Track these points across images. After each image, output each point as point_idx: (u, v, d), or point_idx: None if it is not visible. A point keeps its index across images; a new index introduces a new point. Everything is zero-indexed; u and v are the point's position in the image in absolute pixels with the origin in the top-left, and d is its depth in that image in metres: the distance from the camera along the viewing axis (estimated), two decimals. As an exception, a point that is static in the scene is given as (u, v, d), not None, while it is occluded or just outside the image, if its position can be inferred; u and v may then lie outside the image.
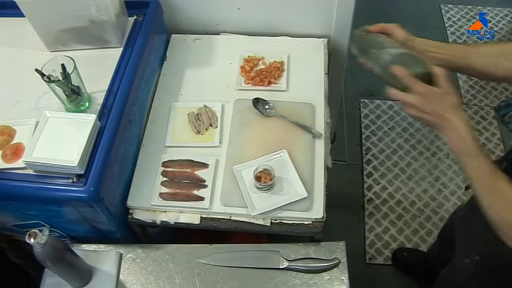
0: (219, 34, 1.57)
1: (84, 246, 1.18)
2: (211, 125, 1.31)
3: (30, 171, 1.05)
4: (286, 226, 1.16)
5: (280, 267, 1.12)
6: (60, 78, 1.08)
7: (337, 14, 1.47)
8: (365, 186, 2.10)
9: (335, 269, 1.12)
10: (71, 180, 1.02)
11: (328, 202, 1.17)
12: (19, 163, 1.05)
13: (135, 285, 1.13)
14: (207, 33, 1.57)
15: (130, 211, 1.20)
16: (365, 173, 2.14)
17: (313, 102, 1.34)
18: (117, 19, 1.25)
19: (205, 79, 1.44)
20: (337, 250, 1.15)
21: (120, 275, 1.14)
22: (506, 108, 2.33)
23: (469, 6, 2.83)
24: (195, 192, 1.19)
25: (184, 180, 1.21)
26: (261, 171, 1.16)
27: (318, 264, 1.12)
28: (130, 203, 1.19)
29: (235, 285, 1.12)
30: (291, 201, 1.15)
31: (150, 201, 1.18)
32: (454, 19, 2.78)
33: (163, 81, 1.44)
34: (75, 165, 1.00)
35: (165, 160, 1.24)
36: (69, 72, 1.08)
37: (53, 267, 1.01)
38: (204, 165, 1.23)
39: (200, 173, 1.22)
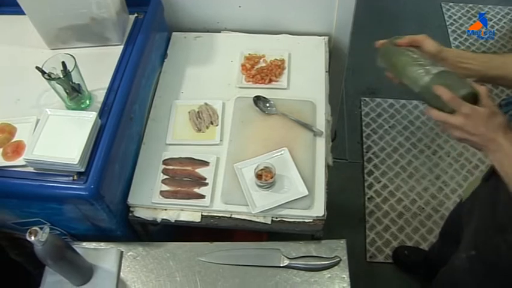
0: (219, 32, 1.57)
1: (85, 244, 1.18)
2: (212, 123, 1.31)
3: (31, 169, 1.05)
4: (287, 224, 1.16)
5: (281, 265, 1.12)
6: (61, 76, 1.08)
7: (338, 12, 1.46)
8: (366, 184, 2.10)
9: (336, 267, 1.12)
10: (71, 178, 1.02)
11: (328, 200, 1.17)
12: (20, 161, 1.05)
13: (135, 283, 1.13)
14: (207, 31, 1.57)
15: (131, 209, 1.20)
16: (366, 171, 2.14)
17: (314, 100, 1.34)
18: (117, 17, 1.24)
19: (206, 77, 1.44)
20: (338, 248, 1.15)
21: (121, 273, 1.14)
22: (507, 106, 2.31)
23: (470, 5, 2.82)
24: (196, 190, 1.19)
25: (185, 178, 1.21)
26: (261, 169, 1.16)
27: (319, 262, 1.12)
28: (131, 200, 1.19)
29: (236, 283, 1.12)
30: (291, 199, 1.15)
31: (151, 199, 1.18)
32: (455, 17, 2.77)
33: (164, 79, 1.44)
34: (76, 162, 1.00)
35: (165, 158, 1.24)
36: (70, 70, 1.07)
37: (53, 265, 1.01)
38: (205, 163, 1.23)
39: (201, 171, 1.22)
